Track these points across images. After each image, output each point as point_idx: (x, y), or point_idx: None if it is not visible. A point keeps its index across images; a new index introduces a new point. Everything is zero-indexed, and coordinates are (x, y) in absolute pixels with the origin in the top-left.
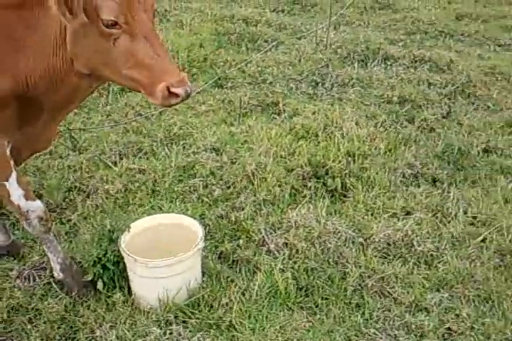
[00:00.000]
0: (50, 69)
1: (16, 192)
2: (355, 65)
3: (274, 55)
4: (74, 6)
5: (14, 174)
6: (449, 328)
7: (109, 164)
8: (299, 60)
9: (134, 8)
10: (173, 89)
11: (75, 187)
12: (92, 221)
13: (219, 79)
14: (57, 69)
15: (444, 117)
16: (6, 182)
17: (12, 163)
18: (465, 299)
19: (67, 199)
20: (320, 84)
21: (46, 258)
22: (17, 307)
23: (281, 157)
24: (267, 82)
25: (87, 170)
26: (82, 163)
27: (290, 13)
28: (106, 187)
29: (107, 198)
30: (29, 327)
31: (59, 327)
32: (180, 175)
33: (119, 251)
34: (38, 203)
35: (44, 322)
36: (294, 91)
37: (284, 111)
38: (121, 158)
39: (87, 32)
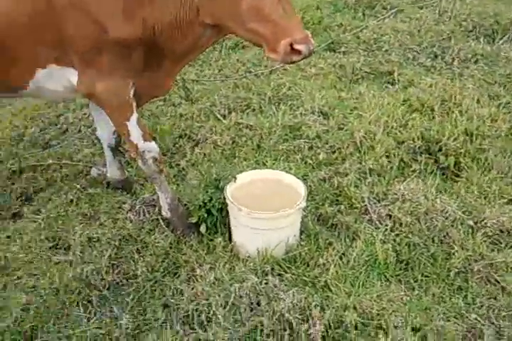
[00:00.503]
0: (177, 18)
1: (135, 133)
2: (481, 39)
3: (392, 23)
4: None
5: (135, 115)
6: None
7: (219, 116)
8: (419, 30)
9: None
10: (296, 46)
11: (185, 134)
12: (200, 168)
13: (332, 43)
14: (183, 19)
15: None
16: (127, 122)
17: (134, 104)
18: None
19: (176, 145)
20: (439, 57)
21: (156, 197)
22: (127, 238)
23: (392, 128)
24: (382, 49)
25: (198, 119)
26: (193, 112)
27: None
28: (214, 138)
29: (214, 148)
30: (136, 256)
31: (163, 261)
32: (286, 135)
33: (223, 198)
34: (153, 144)
35: (150, 254)
36: (410, 62)
37: (399, 81)
38: (230, 112)
39: None
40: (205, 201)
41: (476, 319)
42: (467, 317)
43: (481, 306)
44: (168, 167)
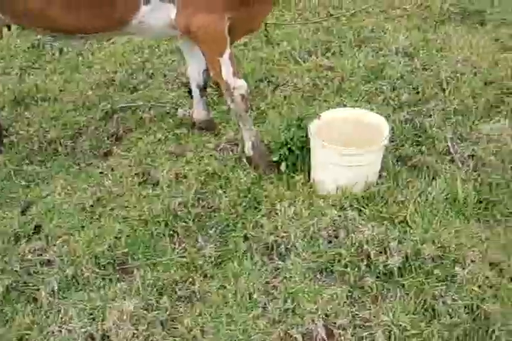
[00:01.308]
0: None
1: (227, 69)
2: None
3: None
4: None
5: (228, 51)
6: None
7: (299, 60)
8: None
9: None
10: None
11: (266, 78)
12: (280, 110)
13: None
14: None
15: None
16: (220, 58)
17: (228, 40)
18: None
19: (257, 88)
20: None
21: (239, 136)
22: (212, 174)
23: (480, 67)
24: None
25: (278, 63)
26: (274, 56)
27: None
28: (295, 80)
29: (294, 90)
30: (220, 191)
31: (245, 196)
32: (368, 76)
33: (305, 136)
34: (242, 81)
35: (232, 190)
36: (501, 1)
37: (490, 21)
38: (310, 55)
39: None
40: (287, 139)
41: None
42: None
43: None
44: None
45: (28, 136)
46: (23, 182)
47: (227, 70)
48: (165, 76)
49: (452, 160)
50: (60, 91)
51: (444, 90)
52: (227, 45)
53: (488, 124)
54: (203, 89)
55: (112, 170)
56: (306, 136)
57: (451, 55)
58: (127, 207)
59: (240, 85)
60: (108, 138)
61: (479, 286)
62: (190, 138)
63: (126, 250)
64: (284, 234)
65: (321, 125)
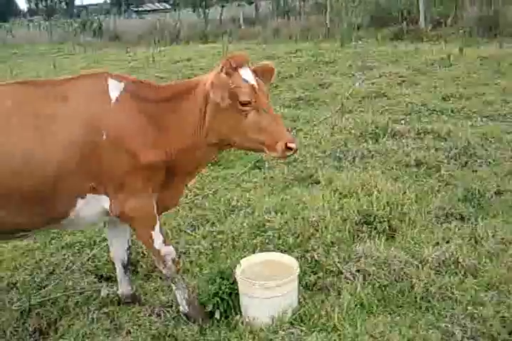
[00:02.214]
0: (190, 143)
1: (158, 240)
2: (369, 141)
3: (297, 139)
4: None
5: (158, 224)
6: (503, 316)
7: (189, 231)
8: (320, 142)
9: (258, 93)
10: (289, 145)
11: None
12: (193, 271)
13: (257, 161)
14: (194, 143)
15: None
16: (152, 232)
17: (157, 216)
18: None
19: None
20: (343, 159)
21: (170, 298)
22: (158, 336)
23: (334, 211)
24: (298, 161)
25: (172, 237)
26: (166, 232)
27: (296, 108)
28: (195, 247)
29: (199, 255)
30: None
31: None
32: (253, 233)
33: (230, 284)
34: (172, 248)
35: None
36: (322, 166)
37: (319, 181)
38: (198, 226)
39: (227, 110)
40: (217, 290)
41: (445, 325)
42: (439, 326)
43: (447, 316)
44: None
45: None
46: None
47: (159, 241)
48: (67, 269)
49: (346, 277)
50: None
51: (317, 229)
52: (156, 219)
53: (359, 246)
54: (126, 266)
55: None
56: (232, 283)
57: (309, 205)
58: None
59: (170, 251)
60: (30, 336)
61: None
62: (122, 312)
63: None
64: None
65: (243, 270)
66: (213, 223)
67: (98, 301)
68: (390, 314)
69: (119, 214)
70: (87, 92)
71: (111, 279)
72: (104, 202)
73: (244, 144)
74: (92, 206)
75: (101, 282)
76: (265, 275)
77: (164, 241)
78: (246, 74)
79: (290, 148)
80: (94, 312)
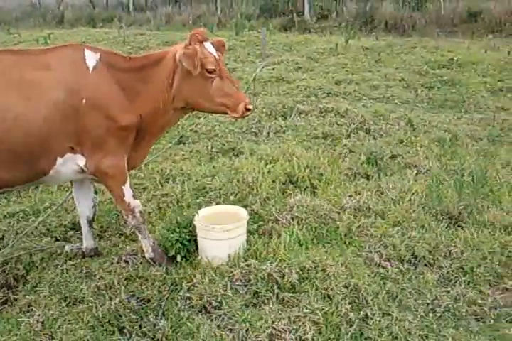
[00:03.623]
0: (158, 107)
1: (128, 193)
2: (279, 119)
3: (215, 117)
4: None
5: (128, 180)
6: (407, 244)
7: None
8: (236, 119)
9: (220, 61)
10: (248, 106)
11: None
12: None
13: (181, 137)
14: (162, 107)
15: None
16: (123, 186)
17: (127, 172)
18: None
19: None
20: (259, 134)
21: (137, 246)
22: (129, 278)
23: (263, 174)
24: (219, 136)
25: None
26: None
27: None
28: (144, 208)
29: (149, 214)
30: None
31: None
32: (195, 194)
33: (189, 232)
34: (139, 202)
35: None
36: (241, 140)
37: (242, 152)
38: (138, 193)
39: (195, 78)
40: (177, 238)
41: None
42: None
43: None
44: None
45: None
46: None
47: (128, 194)
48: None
49: (282, 223)
50: None
51: (252, 188)
52: (127, 175)
53: (291, 199)
54: (91, 221)
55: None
56: (189, 231)
57: (242, 170)
58: None
59: (138, 204)
60: (1, 289)
61: None
62: (90, 262)
63: None
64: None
65: (199, 218)
66: (153, 189)
67: (63, 256)
68: (323, 247)
69: (95, 171)
70: (67, 61)
71: (67, 240)
72: (80, 161)
73: (209, 107)
74: (70, 164)
75: (59, 241)
76: (218, 223)
77: (133, 196)
78: (209, 47)
79: (248, 109)
80: (62, 265)
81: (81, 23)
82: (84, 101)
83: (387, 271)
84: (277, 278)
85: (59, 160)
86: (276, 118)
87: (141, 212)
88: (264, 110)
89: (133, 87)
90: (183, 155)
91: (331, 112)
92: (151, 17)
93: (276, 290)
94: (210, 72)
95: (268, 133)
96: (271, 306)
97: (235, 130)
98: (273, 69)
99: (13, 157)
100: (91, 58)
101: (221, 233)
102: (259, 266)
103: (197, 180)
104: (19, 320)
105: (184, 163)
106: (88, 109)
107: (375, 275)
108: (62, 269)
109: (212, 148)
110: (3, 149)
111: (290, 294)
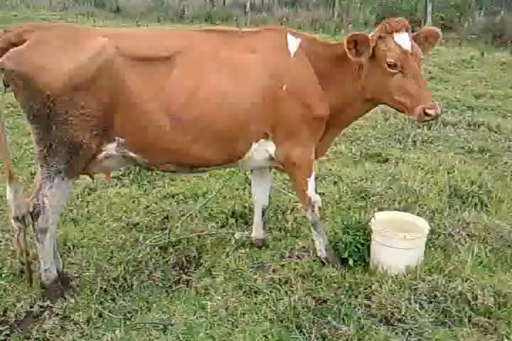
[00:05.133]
0: (350, 97)
1: (311, 187)
2: (424, 127)
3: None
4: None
5: (314, 173)
6: None
7: (284, 191)
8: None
9: (408, 57)
10: (427, 111)
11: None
12: None
13: None
14: (353, 97)
15: None
16: (308, 178)
17: (313, 164)
18: None
19: None
20: (403, 141)
21: (308, 243)
22: (304, 276)
23: (428, 183)
24: (361, 139)
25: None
26: None
27: None
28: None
29: None
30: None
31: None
32: (353, 197)
33: (364, 235)
34: (318, 197)
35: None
36: (386, 146)
37: (389, 159)
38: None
39: (376, 70)
40: (350, 240)
41: None
42: None
43: None
44: None
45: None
46: None
47: (311, 188)
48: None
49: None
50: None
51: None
52: (313, 168)
53: None
54: (264, 211)
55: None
56: (364, 234)
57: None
58: None
59: (318, 199)
60: (174, 268)
61: None
62: (260, 253)
63: None
64: None
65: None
66: None
67: (233, 243)
68: (507, 272)
69: (284, 160)
70: (271, 45)
71: (230, 226)
72: (271, 147)
73: (390, 104)
74: (261, 151)
75: (224, 227)
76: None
77: (315, 189)
78: (401, 38)
79: (428, 114)
80: (233, 252)
81: (200, 19)
82: (284, 87)
83: None
84: (470, 299)
85: (253, 145)
86: (419, 127)
87: (319, 207)
88: (405, 117)
89: (328, 75)
90: (327, 155)
91: (482, 126)
92: (267, 18)
93: (469, 312)
94: (390, 66)
95: (414, 141)
96: (467, 329)
97: (377, 135)
98: None
99: (216, 137)
100: (293, 43)
101: (403, 241)
102: (446, 282)
103: (352, 183)
104: (203, 302)
105: (330, 164)
106: (287, 95)
107: None
108: (235, 256)
109: (358, 151)
110: (209, 128)
111: (485, 319)
